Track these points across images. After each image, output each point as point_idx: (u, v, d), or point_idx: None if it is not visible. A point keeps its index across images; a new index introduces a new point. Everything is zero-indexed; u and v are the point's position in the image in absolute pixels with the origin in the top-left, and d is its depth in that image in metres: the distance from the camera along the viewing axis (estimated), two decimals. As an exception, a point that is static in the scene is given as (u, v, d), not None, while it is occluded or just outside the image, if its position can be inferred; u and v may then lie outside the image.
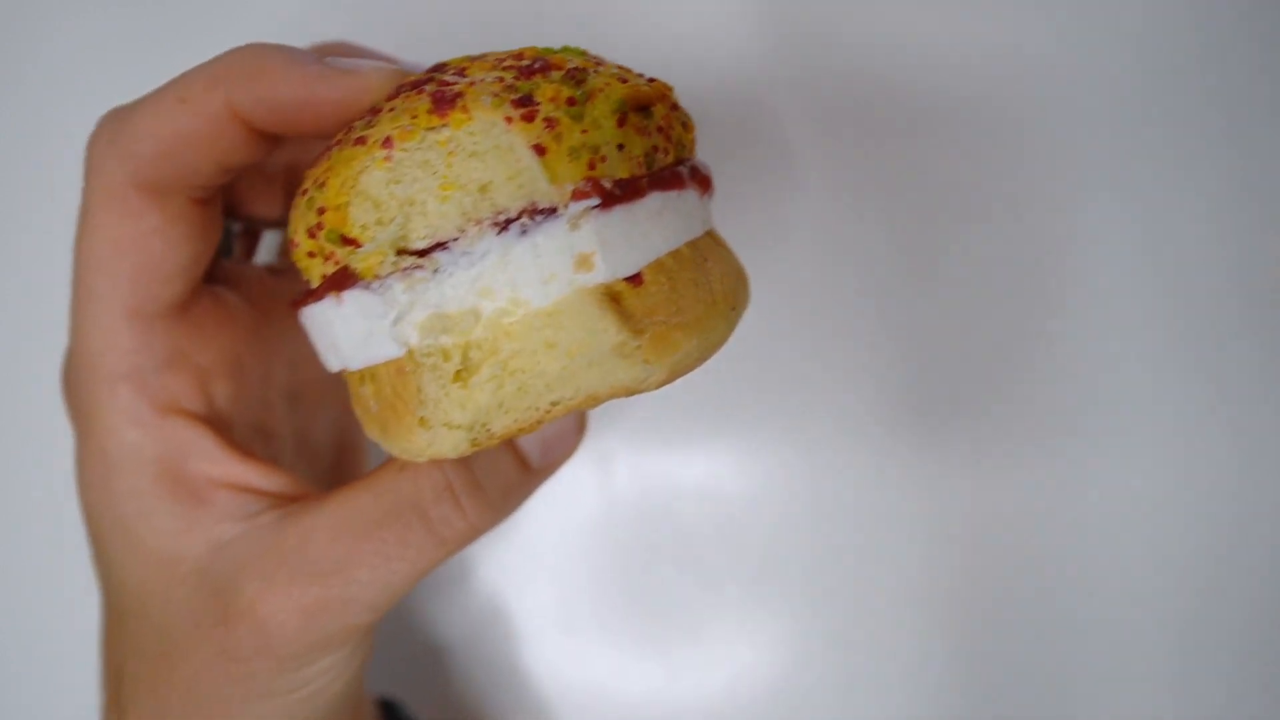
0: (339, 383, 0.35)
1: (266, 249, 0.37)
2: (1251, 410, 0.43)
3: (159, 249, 0.26)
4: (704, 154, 0.44)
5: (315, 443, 0.34)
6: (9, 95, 0.46)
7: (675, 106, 0.26)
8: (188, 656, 0.27)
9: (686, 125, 0.26)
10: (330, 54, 0.28)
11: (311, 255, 0.24)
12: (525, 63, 0.24)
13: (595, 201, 0.23)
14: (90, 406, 0.27)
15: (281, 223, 0.33)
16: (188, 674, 0.27)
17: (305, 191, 0.24)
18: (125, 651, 0.28)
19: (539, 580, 0.45)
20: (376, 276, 0.23)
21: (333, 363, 0.25)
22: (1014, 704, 0.44)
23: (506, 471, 0.28)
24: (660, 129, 0.25)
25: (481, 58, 0.25)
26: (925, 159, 0.44)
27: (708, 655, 0.45)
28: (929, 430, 0.44)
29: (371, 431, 0.25)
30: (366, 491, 0.27)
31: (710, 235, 0.27)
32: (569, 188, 0.23)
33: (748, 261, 0.44)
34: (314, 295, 0.24)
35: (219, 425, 0.28)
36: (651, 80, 0.26)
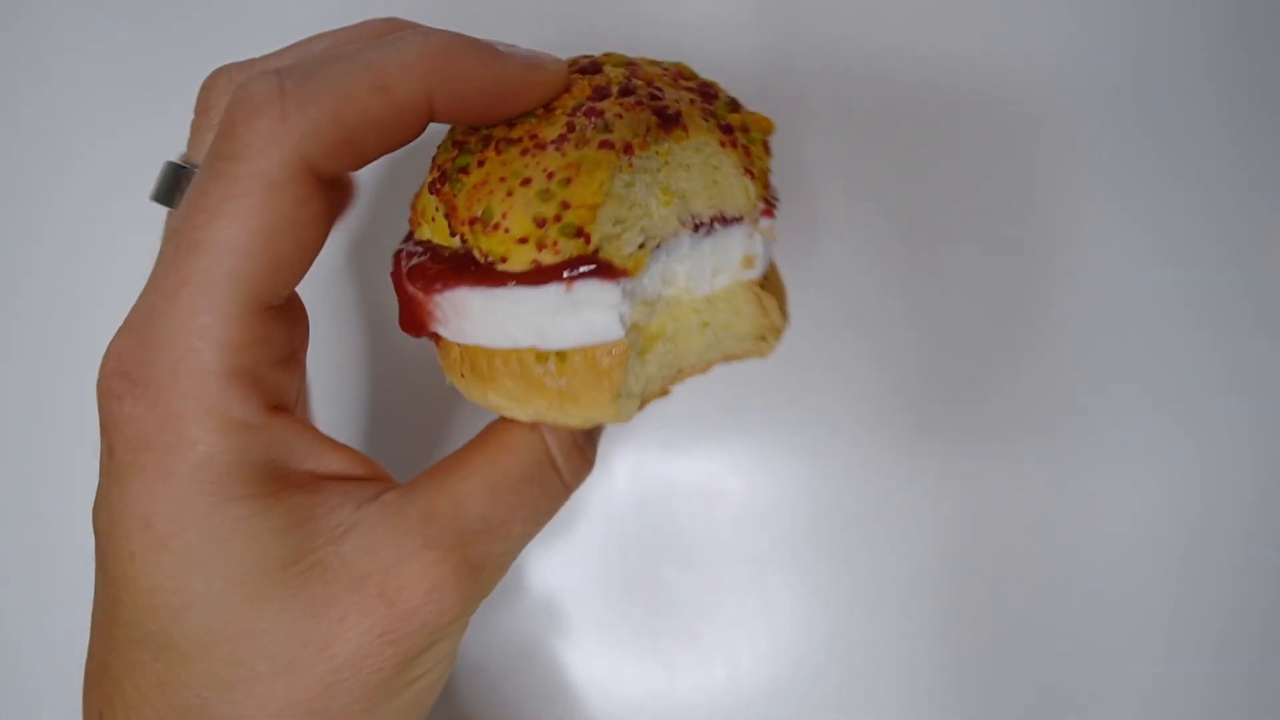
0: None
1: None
2: (1253, 408, 0.44)
3: (310, 236, 0.24)
4: None
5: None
6: (10, 97, 0.44)
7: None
8: (319, 658, 0.25)
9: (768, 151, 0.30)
10: (391, 32, 0.29)
11: (524, 241, 0.24)
12: (695, 85, 0.28)
13: (773, 219, 0.28)
14: (178, 411, 0.24)
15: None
16: (318, 682, 0.25)
17: (527, 181, 0.25)
18: (220, 687, 0.25)
19: (539, 580, 0.45)
20: (640, 272, 0.25)
21: (518, 339, 0.26)
22: (1014, 704, 0.44)
23: (593, 427, 0.30)
24: (769, 152, 0.29)
25: (642, 70, 0.28)
26: (926, 159, 0.45)
27: (708, 654, 0.45)
28: (930, 430, 0.45)
29: (537, 400, 0.26)
30: (505, 452, 0.28)
31: None
32: (758, 204, 0.28)
33: None
34: (523, 279, 0.25)
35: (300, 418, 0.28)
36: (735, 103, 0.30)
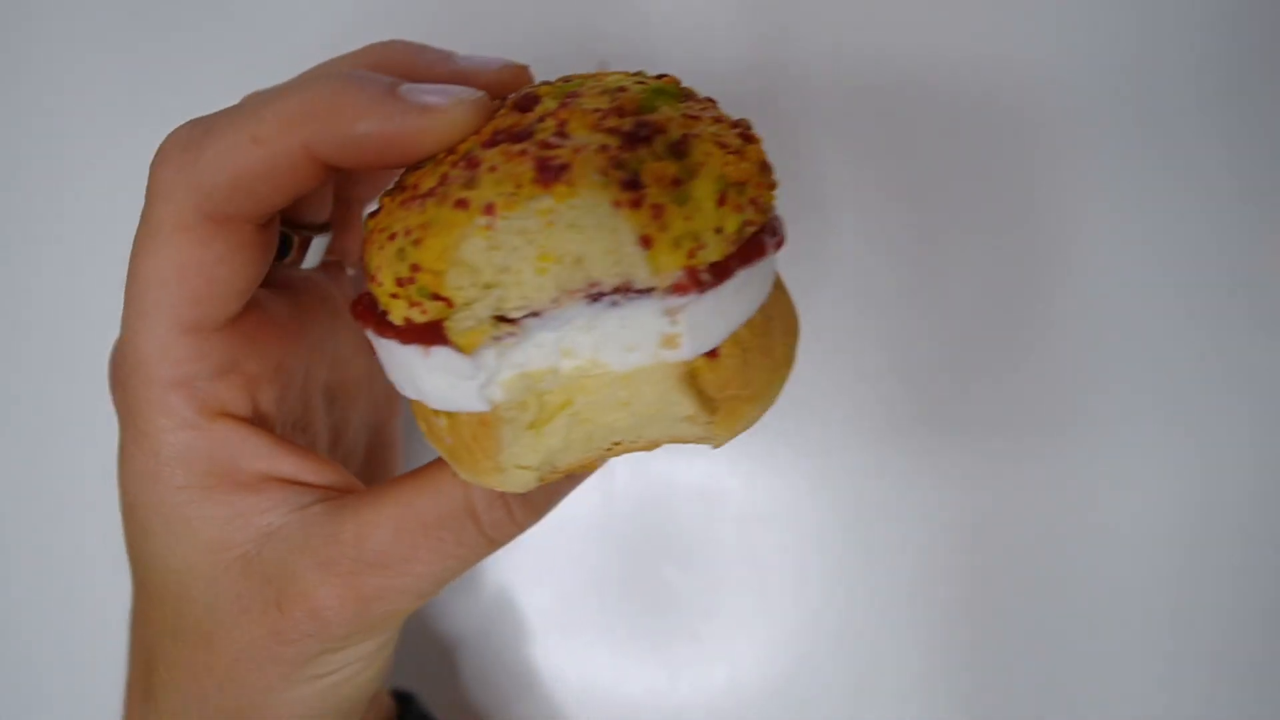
0: (372, 380, 0.35)
1: (314, 249, 0.38)
2: (1256, 408, 0.44)
3: (223, 274, 0.26)
4: None
5: (350, 438, 0.35)
6: (11, 99, 0.46)
7: (764, 168, 0.26)
8: (232, 638, 0.28)
9: (772, 185, 0.26)
10: (388, 61, 0.29)
11: (395, 297, 0.24)
12: (628, 125, 0.24)
13: (690, 298, 0.23)
14: (142, 408, 0.28)
15: (328, 228, 0.33)
16: (230, 656, 0.28)
17: (393, 236, 0.24)
18: (162, 635, 0.30)
19: (540, 580, 0.46)
20: (475, 350, 0.23)
21: (408, 391, 0.26)
22: (1015, 705, 0.44)
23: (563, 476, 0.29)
24: (752, 201, 0.25)
25: (577, 102, 0.25)
26: (927, 162, 0.44)
27: (708, 655, 0.45)
28: (930, 431, 0.44)
29: (439, 450, 0.26)
30: (425, 493, 0.28)
31: (774, 285, 0.28)
32: (669, 278, 0.23)
33: None
34: (397, 334, 0.25)
35: (264, 425, 0.29)
36: (736, 125, 0.26)
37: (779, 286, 0.28)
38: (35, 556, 0.46)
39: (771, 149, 0.44)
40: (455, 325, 0.23)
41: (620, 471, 0.45)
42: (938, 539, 0.44)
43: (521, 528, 0.29)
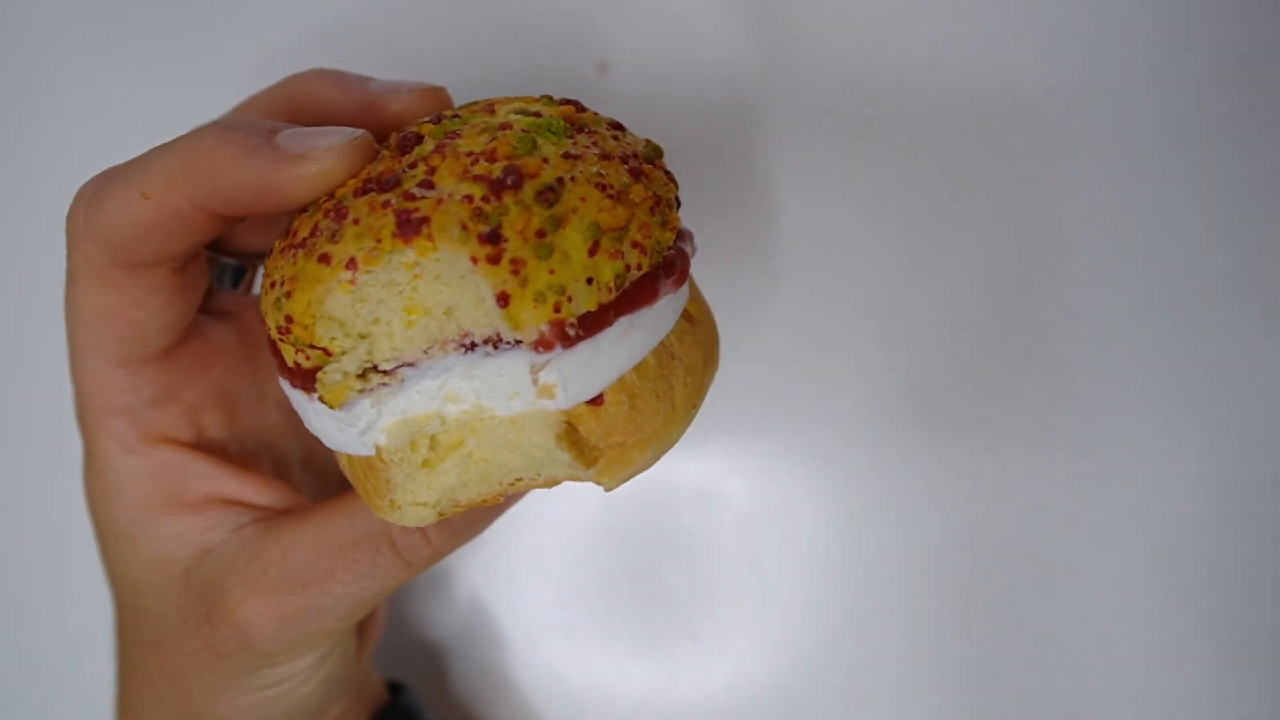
0: None
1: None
2: (1255, 410, 0.43)
3: (141, 315, 0.28)
4: (701, 155, 0.44)
5: (322, 458, 0.36)
6: (12, 103, 0.47)
7: (656, 205, 0.25)
8: (175, 648, 0.30)
9: (667, 222, 0.26)
10: (302, 94, 0.29)
11: (283, 342, 0.25)
12: (496, 172, 0.23)
13: (556, 353, 0.23)
14: (90, 434, 0.30)
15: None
16: (175, 663, 0.30)
17: (274, 284, 0.24)
18: (127, 640, 0.32)
19: (540, 580, 0.46)
20: (343, 405, 0.24)
21: (309, 429, 0.27)
22: (1014, 705, 0.44)
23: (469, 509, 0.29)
24: (636, 244, 0.24)
25: (453, 144, 0.24)
26: (927, 161, 0.44)
27: (708, 654, 0.45)
28: (929, 431, 0.44)
29: (349, 479, 0.27)
30: (343, 515, 0.29)
31: (685, 316, 0.27)
32: (532, 333, 0.23)
33: (745, 264, 0.44)
34: (288, 375, 0.25)
35: (211, 449, 0.31)
36: (632, 158, 0.25)
37: (692, 318, 0.27)
38: (36, 561, 0.48)
39: (772, 148, 0.45)
40: (324, 379, 0.24)
41: None
42: (937, 539, 0.44)
43: (440, 552, 0.29)
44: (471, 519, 0.30)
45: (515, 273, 0.22)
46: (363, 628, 0.36)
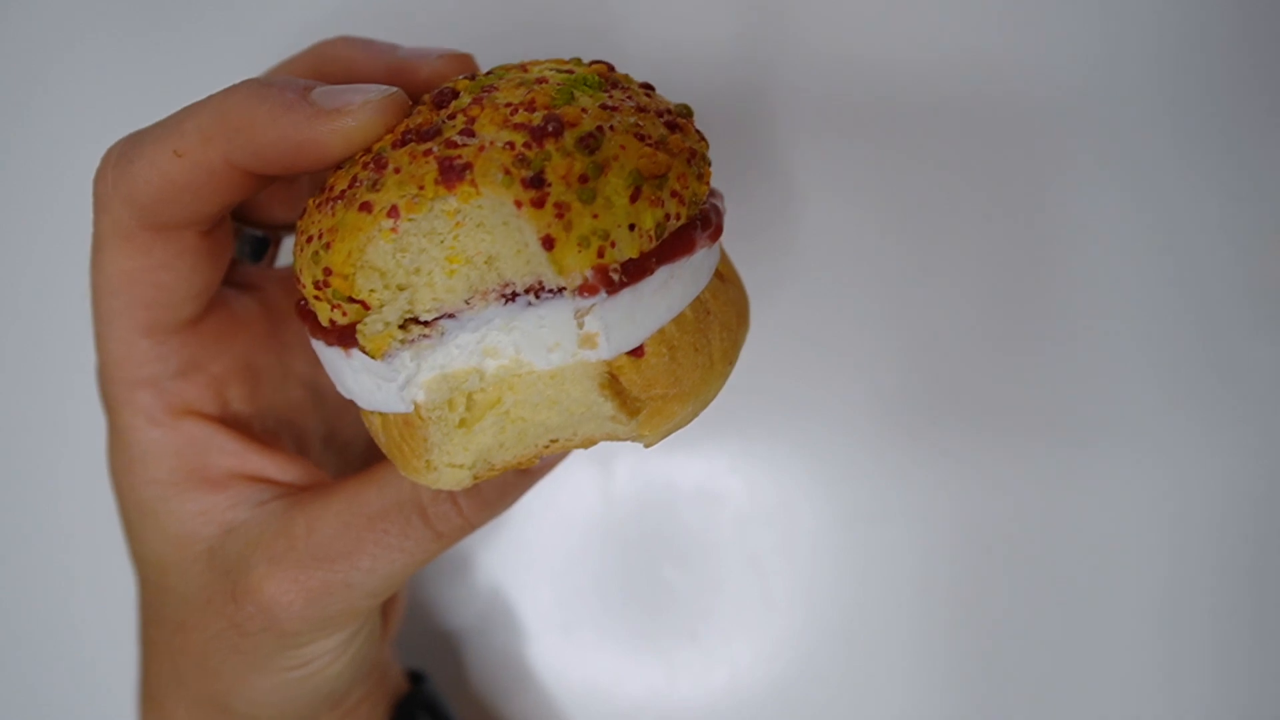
0: None
1: (289, 249, 0.38)
2: (1256, 410, 0.43)
3: (168, 280, 0.27)
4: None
5: (345, 436, 0.36)
6: (13, 100, 0.47)
7: (692, 158, 0.25)
8: (200, 627, 0.29)
9: (703, 175, 0.26)
10: (330, 58, 0.29)
11: (318, 299, 0.24)
12: (537, 120, 0.23)
13: (600, 298, 0.23)
14: (114, 407, 0.29)
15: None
16: (199, 643, 0.29)
17: (310, 239, 0.24)
18: (150, 621, 0.31)
19: (540, 580, 0.46)
20: (384, 356, 0.23)
21: (342, 391, 0.27)
22: (1015, 705, 0.44)
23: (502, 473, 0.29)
24: (675, 193, 0.24)
25: (490, 96, 0.24)
26: (927, 161, 0.44)
27: (707, 654, 0.45)
28: (930, 430, 0.44)
29: (381, 447, 0.27)
30: (371, 485, 0.28)
31: (717, 275, 0.27)
32: (576, 278, 0.22)
33: (745, 263, 0.44)
34: (324, 336, 0.25)
35: (236, 423, 0.30)
36: (665, 113, 0.26)
37: (724, 277, 0.28)
38: (53, 549, 0.47)
39: (773, 148, 0.45)
40: (365, 329, 0.23)
41: (620, 472, 0.45)
42: (937, 539, 0.44)
43: (471, 523, 0.29)
44: (503, 488, 0.30)
45: (559, 216, 0.22)
46: (386, 611, 0.35)
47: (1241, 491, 0.43)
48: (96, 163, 0.27)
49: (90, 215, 0.27)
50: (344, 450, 0.35)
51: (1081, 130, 0.44)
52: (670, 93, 0.45)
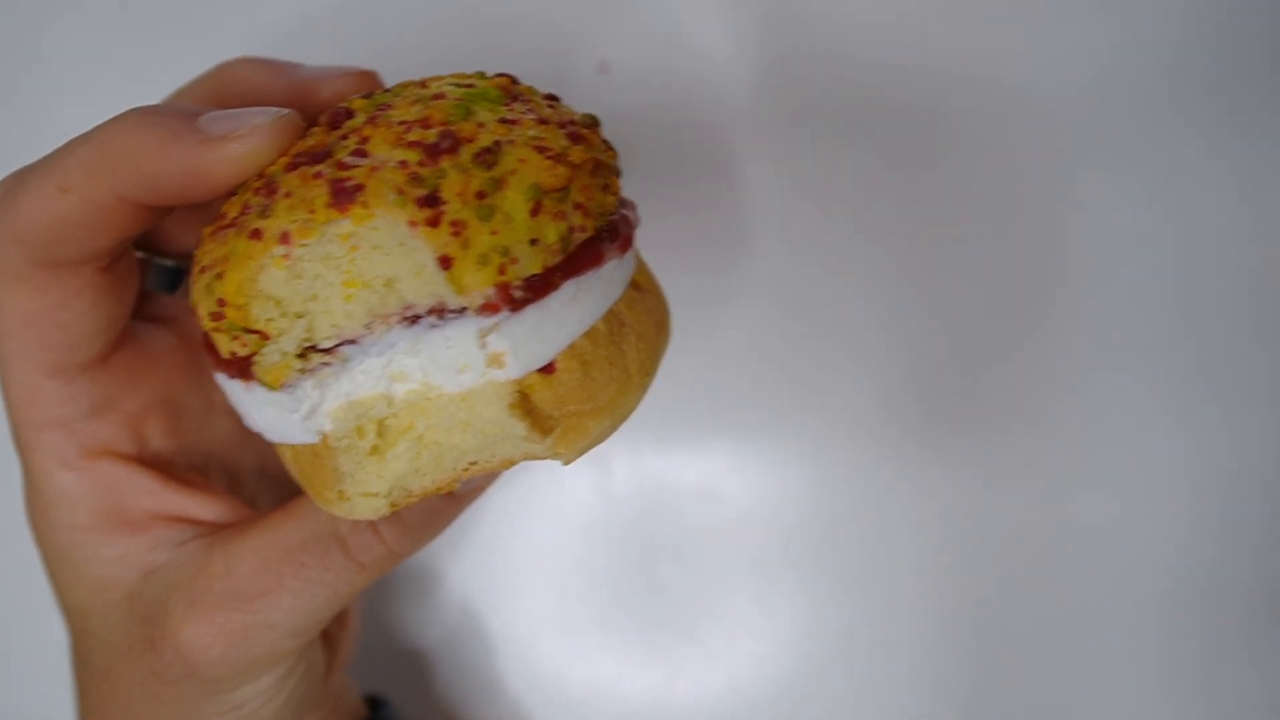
0: None
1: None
2: (1257, 413, 0.43)
3: (68, 319, 0.26)
4: (702, 155, 0.44)
5: (280, 467, 0.34)
6: (12, 98, 0.46)
7: (597, 169, 0.25)
8: (123, 675, 0.28)
9: (609, 186, 0.25)
10: (231, 80, 0.28)
11: (216, 331, 0.24)
12: (431, 137, 0.22)
13: (504, 316, 0.22)
14: (26, 450, 0.28)
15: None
16: (124, 691, 0.28)
17: (204, 270, 0.23)
18: (79, 667, 0.30)
19: (538, 580, 0.45)
20: (283, 386, 0.23)
21: (249, 425, 0.26)
22: (1015, 705, 0.44)
23: (427, 500, 0.28)
24: (578, 205, 0.24)
25: (385, 115, 0.24)
26: (926, 160, 0.44)
27: (707, 655, 0.45)
28: (930, 430, 0.44)
29: (295, 479, 0.26)
30: (290, 519, 0.28)
31: (633, 286, 0.26)
32: (478, 297, 0.22)
33: (745, 263, 0.44)
34: (223, 367, 0.24)
35: (156, 462, 0.29)
36: (569, 124, 0.25)
37: (640, 287, 0.27)
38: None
39: (773, 147, 0.44)
40: (261, 361, 0.23)
41: (619, 472, 0.45)
42: (937, 538, 0.44)
43: (395, 552, 0.28)
44: (428, 514, 0.28)
45: (456, 235, 0.22)
46: (334, 641, 0.35)
47: (1245, 492, 0.43)
48: None
49: None
50: (280, 479, 0.34)
51: (1079, 130, 0.43)
52: (665, 95, 0.45)
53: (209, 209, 0.31)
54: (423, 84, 0.25)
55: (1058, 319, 0.43)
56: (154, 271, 0.32)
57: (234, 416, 0.32)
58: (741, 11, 0.44)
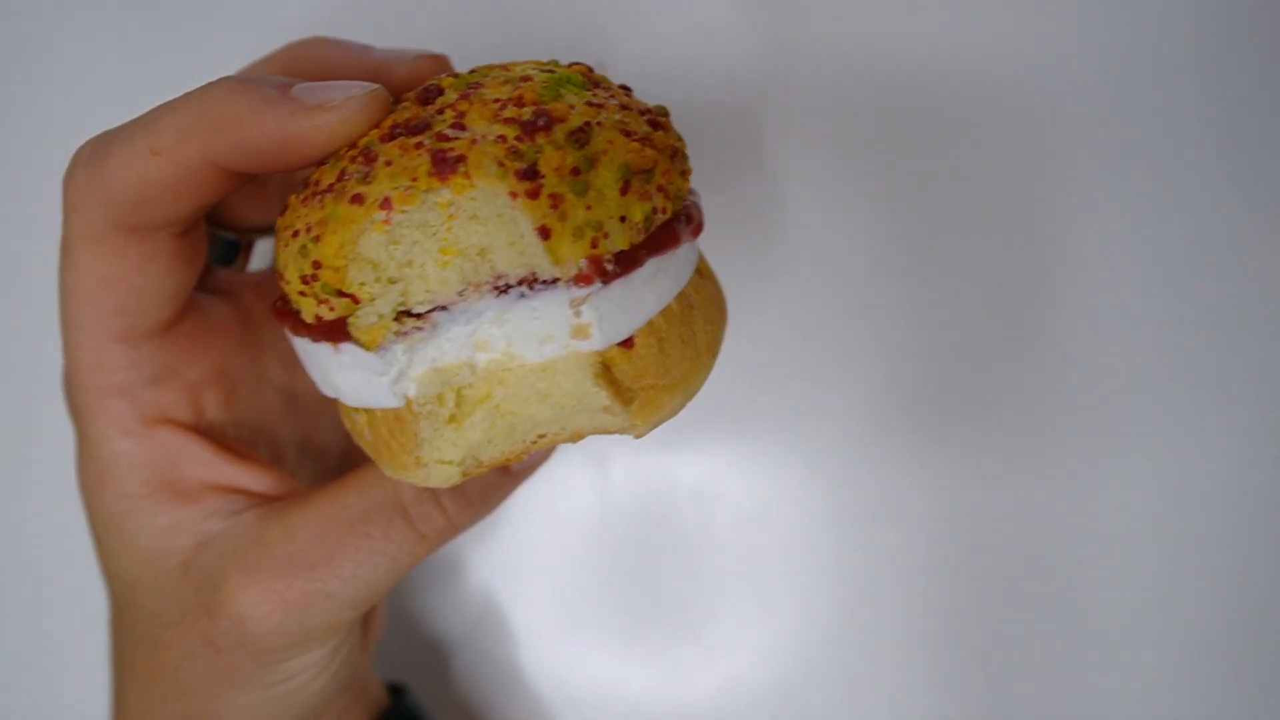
0: None
1: (261, 254, 0.38)
2: (1256, 411, 0.43)
3: (141, 283, 0.27)
4: (701, 154, 0.44)
5: (320, 443, 0.35)
6: (13, 95, 0.46)
7: (675, 155, 0.26)
8: (173, 645, 0.28)
9: (685, 172, 0.26)
10: (305, 59, 0.29)
11: (303, 295, 0.24)
12: (527, 115, 0.23)
13: (595, 288, 0.23)
14: (84, 416, 0.28)
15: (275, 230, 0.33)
16: (173, 662, 0.28)
17: (297, 234, 0.24)
18: (122, 638, 0.30)
19: (537, 580, 0.45)
20: (379, 348, 0.23)
21: (325, 390, 0.26)
22: (1015, 704, 0.44)
23: (487, 473, 0.28)
24: (660, 188, 0.25)
25: (478, 92, 0.24)
26: (926, 162, 0.44)
27: (706, 655, 0.45)
28: (929, 431, 0.44)
29: (363, 448, 0.26)
30: (351, 489, 0.28)
31: (697, 272, 0.27)
32: (571, 268, 0.23)
33: (745, 262, 0.44)
34: (308, 332, 0.25)
35: (210, 432, 0.29)
36: (646, 113, 0.26)
37: (703, 273, 0.28)
38: (25, 558, 0.46)
39: (772, 147, 0.44)
40: (358, 322, 0.23)
41: (617, 472, 0.45)
42: (937, 538, 0.44)
43: (455, 524, 0.28)
44: (486, 489, 0.29)
45: (554, 207, 0.22)
46: (366, 621, 0.35)
47: (1245, 490, 0.43)
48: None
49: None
50: (319, 457, 0.35)
51: (1081, 128, 0.43)
52: (664, 94, 0.44)
53: (272, 185, 0.32)
54: (505, 68, 0.26)
55: (1060, 320, 0.43)
56: (211, 244, 0.32)
57: (281, 390, 0.32)
58: (744, 10, 0.44)
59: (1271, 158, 0.43)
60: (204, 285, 0.31)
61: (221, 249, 0.33)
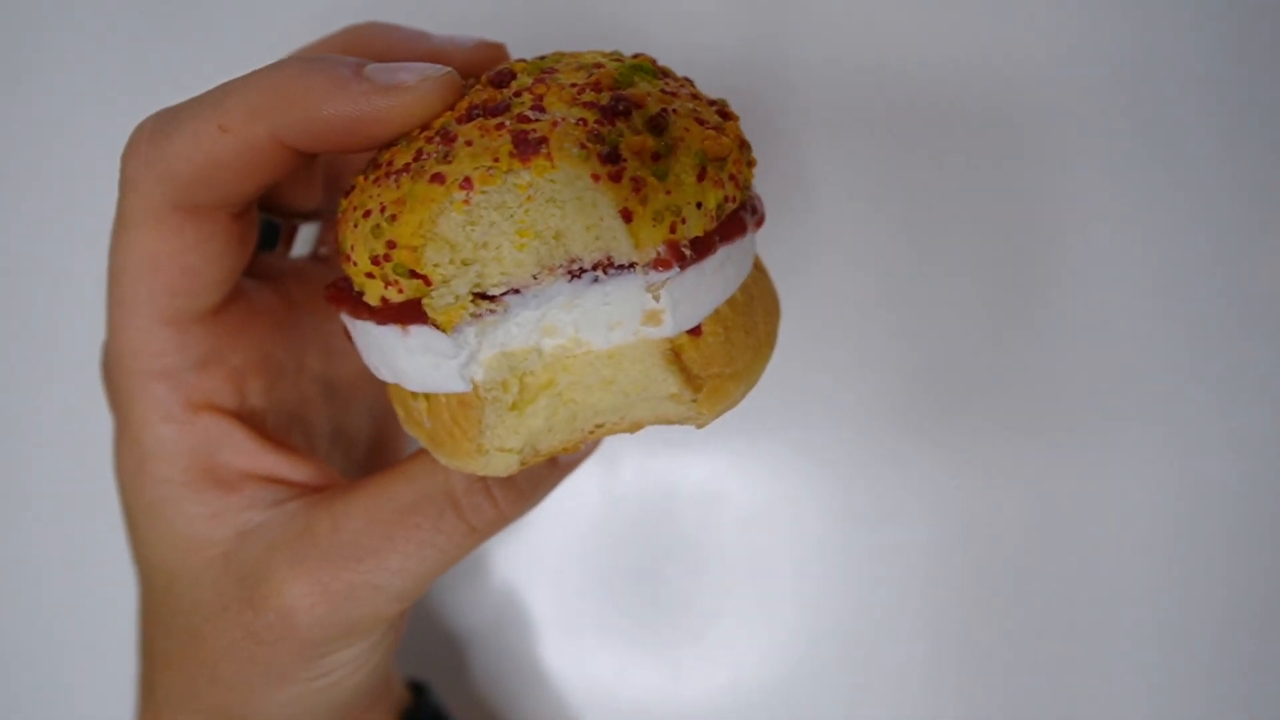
0: (372, 376, 0.35)
1: (303, 239, 0.37)
2: (1254, 410, 0.43)
3: (195, 263, 0.26)
4: None
5: (351, 433, 0.34)
6: (13, 94, 0.45)
7: (743, 145, 0.26)
8: (213, 637, 0.27)
9: (751, 163, 0.26)
10: (363, 43, 0.28)
11: (371, 276, 0.24)
12: (605, 99, 0.23)
13: (674, 273, 0.23)
14: (126, 401, 0.27)
15: (319, 216, 0.33)
16: (213, 654, 0.27)
17: (369, 213, 0.23)
18: (156, 630, 0.29)
19: (544, 579, 0.45)
20: (455, 330, 0.23)
21: (385, 375, 0.26)
22: (1016, 705, 0.44)
23: (536, 465, 0.28)
24: (732, 177, 0.25)
25: (553, 77, 0.24)
26: (928, 160, 0.44)
27: (712, 654, 0.45)
28: (933, 432, 0.44)
29: (417, 436, 0.26)
30: (401, 480, 0.27)
31: (755, 266, 0.27)
32: (650, 252, 0.23)
33: None
34: (373, 315, 0.24)
35: (252, 419, 0.29)
36: (714, 103, 0.26)
37: (759, 267, 0.28)
38: (47, 551, 0.45)
39: (770, 145, 0.44)
40: (434, 302, 0.23)
41: (624, 473, 0.45)
42: (939, 539, 0.44)
43: (505, 515, 0.28)
44: (535, 480, 0.29)
45: (636, 191, 0.22)
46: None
47: (1246, 490, 0.43)
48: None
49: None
50: (350, 448, 0.34)
51: (1083, 135, 0.44)
52: None
53: (318, 169, 0.31)
54: (572, 55, 0.26)
55: (1062, 320, 0.44)
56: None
57: (317, 379, 0.32)
58: (744, 10, 0.44)
59: (1274, 158, 0.43)
60: (248, 269, 0.30)
61: (263, 231, 0.32)
